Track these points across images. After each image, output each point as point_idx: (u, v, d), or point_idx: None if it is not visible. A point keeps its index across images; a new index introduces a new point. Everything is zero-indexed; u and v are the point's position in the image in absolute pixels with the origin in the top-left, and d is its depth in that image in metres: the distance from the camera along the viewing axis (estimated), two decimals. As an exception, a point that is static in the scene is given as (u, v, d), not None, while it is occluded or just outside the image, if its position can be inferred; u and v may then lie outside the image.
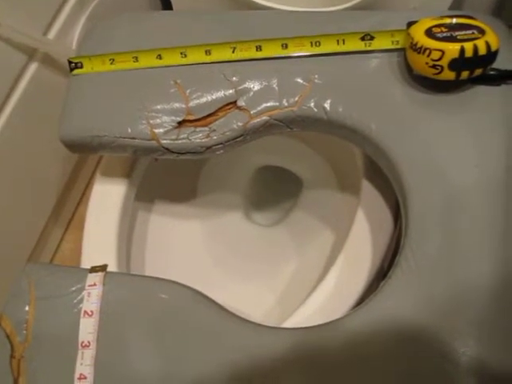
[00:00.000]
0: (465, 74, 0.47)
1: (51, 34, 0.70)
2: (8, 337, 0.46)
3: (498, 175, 0.46)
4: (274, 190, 0.84)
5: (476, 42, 0.46)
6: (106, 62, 0.55)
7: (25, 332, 0.46)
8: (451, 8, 0.60)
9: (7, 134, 0.68)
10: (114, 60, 0.54)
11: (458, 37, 0.47)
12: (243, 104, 0.52)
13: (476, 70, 0.47)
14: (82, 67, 0.55)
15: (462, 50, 0.46)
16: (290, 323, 0.51)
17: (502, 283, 0.43)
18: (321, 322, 0.45)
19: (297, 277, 0.69)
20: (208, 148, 0.52)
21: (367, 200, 0.56)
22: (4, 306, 0.47)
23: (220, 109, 0.52)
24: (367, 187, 0.57)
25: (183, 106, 0.52)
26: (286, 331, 0.46)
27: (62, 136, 0.53)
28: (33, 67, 0.69)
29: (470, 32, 0.47)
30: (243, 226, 0.77)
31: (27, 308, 0.47)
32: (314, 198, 0.75)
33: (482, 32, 0.47)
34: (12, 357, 0.45)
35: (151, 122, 0.52)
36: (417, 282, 0.44)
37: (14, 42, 0.64)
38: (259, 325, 0.46)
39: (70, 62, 0.55)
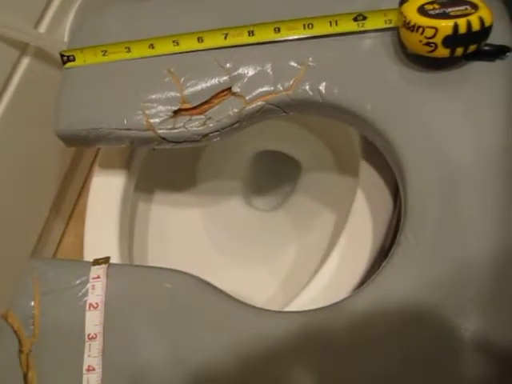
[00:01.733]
0: (459, 51, 0.47)
1: (42, 28, 0.70)
2: (16, 332, 0.46)
3: (495, 152, 0.46)
4: (273, 175, 0.84)
5: (469, 17, 0.46)
6: (98, 54, 0.54)
7: (32, 327, 0.46)
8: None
9: (3, 130, 0.68)
10: (106, 51, 0.54)
11: (451, 13, 0.46)
12: (238, 90, 0.51)
13: (470, 46, 0.47)
14: (74, 60, 0.55)
15: (456, 27, 0.45)
16: (293, 306, 0.51)
17: (502, 258, 0.43)
18: (324, 304, 0.46)
19: (299, 260, 0.70)
20: (205, 136, 0.52)
21: (366, 181, 0.56)
22: (10, 302, 0.48)
23: (215, 96, 0.52)
24: (365, 168, 0.57)
25: (178, 94, 0.52)
26: (289, 315, 0.47)
27: (58, 130, 0.53)
28: (25, 62, 0.69)
29: (463, 8, 0.46)
30: (243, 212, 0.77)
31: (33, 303, 0.47)
32: (313, 181, 0.75)
33: (475, 7, 0.46)
34: (20, 352, 0.46)
35: (147, 112, 0.52)
36: (418, 261, 0.44)
37: (5, 38, 0.64)
38: (263, 309, 0.47)
39: (62, 56, 0.55)
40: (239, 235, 0.76)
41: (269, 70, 0.52)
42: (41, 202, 0.84)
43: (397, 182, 0.50)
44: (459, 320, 0.42)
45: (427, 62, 0.49)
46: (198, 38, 0.53)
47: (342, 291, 0.51)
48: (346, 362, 0.43)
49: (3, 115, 0.68)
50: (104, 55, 0.54)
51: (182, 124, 0.51)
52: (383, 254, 0.55)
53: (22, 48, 0.68)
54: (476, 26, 0.45)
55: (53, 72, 0.73)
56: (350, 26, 0.51)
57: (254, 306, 0.47)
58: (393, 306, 0.43)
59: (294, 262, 0.70)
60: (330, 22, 0.52)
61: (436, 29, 0.46)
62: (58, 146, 0.59)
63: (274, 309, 0.48)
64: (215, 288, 0.49)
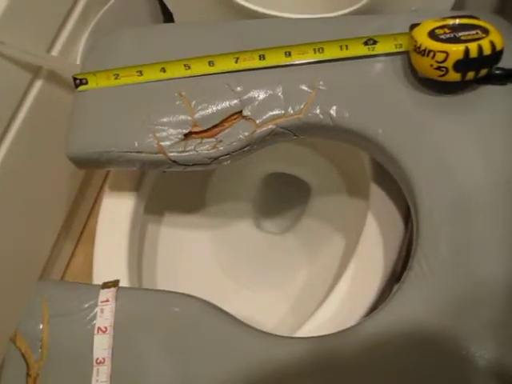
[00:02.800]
0: (470, 75, 0.47)
1: (55, 51, 0.71)
2: (23, 355, 0.46)
3: (506, 176, 0.45)
4: (283, 197, 0.84)
5: (480, 42, 0.46)
6: (110, 77, 0.55)
7: (40, 350, 0.46)
8: (454, 8, 0.59)
9: (15, 152, 0.69)
10: (118, 75, 0.55)
11: (462, 37, 0.46)
12: (249, 113, 0.52)
13: (481, 70, 0.47)
14: (86, 83, 0.55)
15: (467, 51, 0.45)
16: (303, 331, 0.51)
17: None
18: (335, 329, 0.45)
19: (309, 284, 0.69)
20: (215, 159, 0.52)
21: (377, 204, 0.56)
22: (18, 324, 0.47)
23: (226, 119, 0.52)
24: (376, 191, 0.56)
25: (189, 117, 0.52)
26: (299, 340, 0.46)
27: (70, 153, 0.54)
28: (38, 84, 0.70)
29: (474, 32, 0.47)
30: (253, 235, 0.77)
31: (41, 326, 0.47)
32: (322, 203, 0.75)
33: (485, 32, 0.47)
34: (28, 375, 0.45)
35: (157, 135, 0.52)
36: (431, 286, 0.43)
37: (18, 60, 0.65)
38: (273, 334, 0.46)
39: (74, 79, 0.55)
40: (248, 258, 0.76)
41: (279, 94, 0.52)
42: (51, 223, 0.84)
43: (408, 206, 0.50)
44: (473, 347, 0.41)
45: (438, 86, 0.49)
46: (209, 62, 0.53)
47: (353, 316, 0.50)
48: (358, 389, 0.42)
49: (16, 137, 0.68)
50: (116, 78, 0.55)
51: (192, 147, 0.51)
52: (394, 278, 0.55)
53: (35, 71, 0.69)
54: (487, 51, 0.46)
55: (65, 95, 0.74)
56: (360, 50, 0.52)
57: (263, 331, 0.47)
58: (405, 332, 0.42)
59: (304, 286, 0.69)
60: (341, 46, 0.52)
61: (447, 53, 0.46)
62: (69, 168, 0.59)
63: (283, 333, 0.47)
64: (224, 312, 0.48)
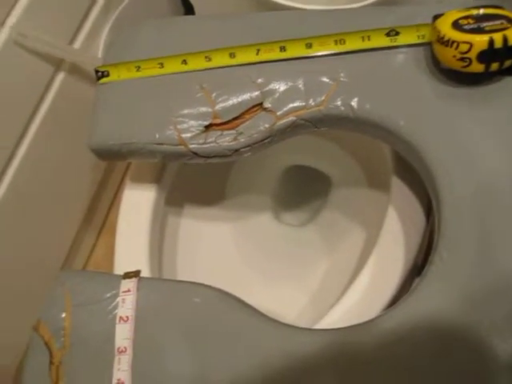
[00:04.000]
0: (494, 66, 0.46)
1: (77, 44, 0.71)
2: (46, 344, 0.47)
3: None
4: (303, 190, 0.84)
5: (505, 32, 0.45)
6: (131, 70, 0.55)
7: (62, 339, 0.47)
8: (477, -2, 0.59)
9: (38, 143, 0.70)
10: (139, 67, 0.55)
11: (486, 28, 0.46)
12: (269, 105, 0.51)
13: (506, 62, 0.46)
14: (108, 75, 0.56)
15: (491, 42, 0.45)
16: (323, 324, 0.51)
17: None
18: (355, 322, 0.45)
19: (329, 276, 0.69)
20: (236, 151, 0.52)
21: (398, 197, 0.55)
22: (41, 313, 0.48)
23: (246, 111, 0.52)
24: (397, 184, 0.56)
25: (209, 109, 0.52)
26: (320, 332, 0.46)
27: (92, 144, 0.54)
28: (60, 77, 0.71)
29: (499, 22, 0.46)
30: (273, 227, 0.77)
31: (63, 315, 0.48)
32: (343, 196, 0.75)
33: (510, 22, 0.46)
34: (51, 363, 0.46)
35: (178, 127, 0.52)
36: (452, 280, 0.43)
37: (40, 53, 0.65)
38: (293, 326, 0.46)
39: (96, 71, 0.56)
40: (268, 250, 0.76)
41: (300, 86, 0.52)
42: (72, 214, 0.85)
43: (429, 198, 0.49)
44: (493, 339, 0.41)
45: (461, 78, 0.48)
46: (230, 54, 0.53)
47: (373, 309, 0.50)
48: (378, 381, 0.42)
49: (39, 128, 0.69)
50: (137, 71, 0.55)
51: (213, 139, 0.52)
52: (415, 271, 0.54)
53: (57, 64, 0.69)
54: (512, 41, 0.45)
55: (87, 87, 0.75)
56: (382, 41, 0.51)
57: (283, 323, 0.47)
58: (426, 325, 0.42)
59: (324, 279, 0.69)
60: (363, 38, 0.51)
61: (471, 44, 0.45)
62: (91, 160, 0.59)
63: (303, 325, 0.47)
64: (244, 303, 0.48)
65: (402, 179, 0.56)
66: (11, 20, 0.61)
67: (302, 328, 0.46)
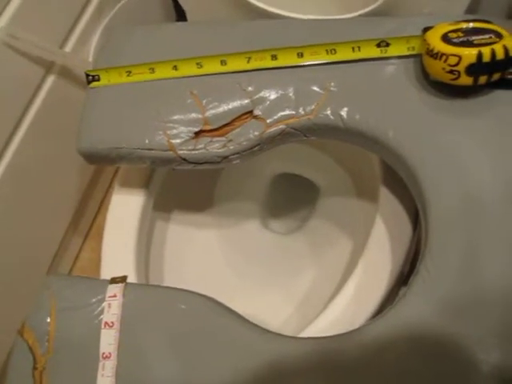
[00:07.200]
0: (483, 79, 0.47)
1: (68, 47, 0.71)
2: (30, 348, 0.46)
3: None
4: (291, 198, 0.84)
5: (493, 46, 0.46)
6: (122, 74, 0.55)
7: (47, 343, 0.46)
8: (467, 12, 0.59)
9: (26, 146, 0.69)
10: (130, 72, 0.55)
11: (475, 41, 0.46)
12: (259, 113, 0.52)
13: (494, 75, 0.47)
14: (99, 80, 0.55)
15: (480, 55, 0.45)
16: (309, 332, 0.51)
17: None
18: (341, 331, 0.45)
19: (315, 285, 0.69)
20: (225, 158, 0.52)
21: (385, 207, 0.56)
22: (26, 317, 0.48)
23: (236, 118, 0.52)
24: (385, 194, 0.56)
25: (200, 116, 0.52)
26: (305, 340, 0.46)
27: (80, 148, 0.54)
28: (50, 80, 0.70)
29: (487, 36, 0.46)
30: (260, 235, 0.77)
31: (48, 320, 0.47)
32: (331, 205, 0.75)
33: (499, 36, 0.46)
34: (34, 368, 0.46)
35: (168, 132, 0.52)
36: (437, 291, 0.43)
37: (31, 55, 0.65)
38: (278, 334, 0.46)
39: (87, 75, 0.56)
40: (255, 258, 0.76)
41: (291, 94, 0.52)
42: (59, 218, 0.85)
43: (416, 208, 0.50)
44: (477, 352, 0.41)
45: (450, 90, 0.49)
46: (222, 61, 0.54)
47: (359, 318, 0.50)
48: (362, 391, 0.42)
49: (27, 131, 0.68)
50: (128, 75, 0.55)
51: (202, 145, 0.52)
52: (401, 280, 0.54)
53: (48, 66, 0.69)
54: (500, 55, 0.45)
55: (77, 90, 0.74)
56: (372, 51, 0.52)
57: (268, 330, 0.47)
58: (410, 335, 0.42)
59: (310, 287, 0.69)
60: (353, 48, 0.52)
61: (460, 57, 0.46)
62: (79, 163, 0.59)
63: (289, 333, 0.47)
64: (230, 310, 0.48)
65: (390, 188, 0.56)
66: (2, 21, 0.60)
67: (287, 336, 0.46)
